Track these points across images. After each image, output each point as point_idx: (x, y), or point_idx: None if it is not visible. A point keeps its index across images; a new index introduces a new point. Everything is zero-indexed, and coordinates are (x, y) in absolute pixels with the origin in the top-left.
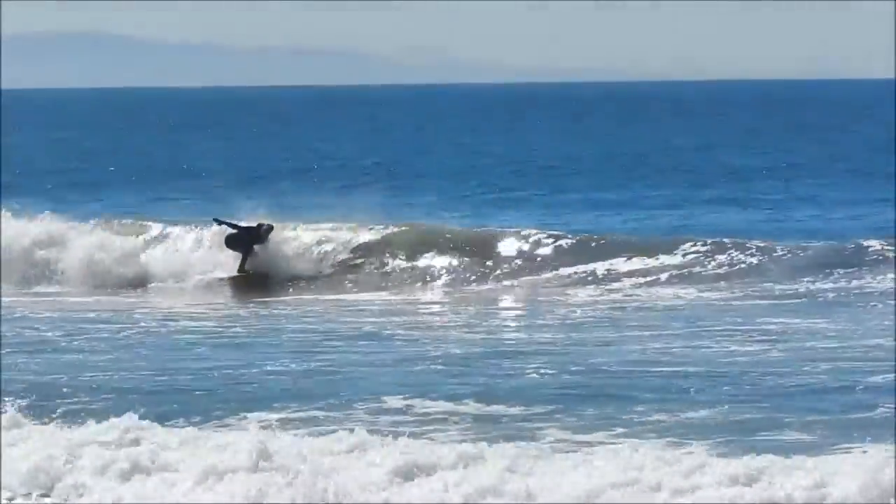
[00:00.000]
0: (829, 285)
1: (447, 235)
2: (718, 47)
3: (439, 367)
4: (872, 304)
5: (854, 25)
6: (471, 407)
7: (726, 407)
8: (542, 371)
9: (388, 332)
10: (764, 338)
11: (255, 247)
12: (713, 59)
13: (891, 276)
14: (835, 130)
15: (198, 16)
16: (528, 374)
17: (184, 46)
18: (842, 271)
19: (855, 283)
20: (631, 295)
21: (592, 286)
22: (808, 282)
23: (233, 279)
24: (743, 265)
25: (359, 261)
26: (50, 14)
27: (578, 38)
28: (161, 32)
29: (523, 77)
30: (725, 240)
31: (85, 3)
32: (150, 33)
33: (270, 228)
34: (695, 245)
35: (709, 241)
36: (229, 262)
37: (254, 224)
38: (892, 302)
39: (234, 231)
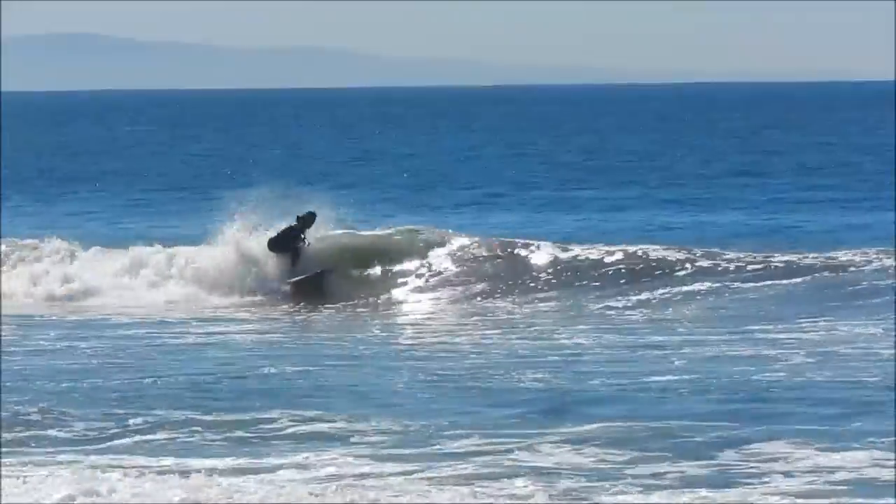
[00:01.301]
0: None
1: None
2: (719, 48)
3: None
4: None
5: (854, 26)
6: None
7: None
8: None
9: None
10: None
11: (304, 244)
12: (713, 60)
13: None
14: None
15: (194, 16)
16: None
17: (180, 46)
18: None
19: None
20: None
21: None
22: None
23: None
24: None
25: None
26: (45, 15)
27: (572, 39)
28: (158, 33)
29: (512, 79)
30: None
31: (80, 3)
32: (147, 34)
33: (312, 216)
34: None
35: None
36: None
37: (294, 221)
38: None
39: (275, 234)
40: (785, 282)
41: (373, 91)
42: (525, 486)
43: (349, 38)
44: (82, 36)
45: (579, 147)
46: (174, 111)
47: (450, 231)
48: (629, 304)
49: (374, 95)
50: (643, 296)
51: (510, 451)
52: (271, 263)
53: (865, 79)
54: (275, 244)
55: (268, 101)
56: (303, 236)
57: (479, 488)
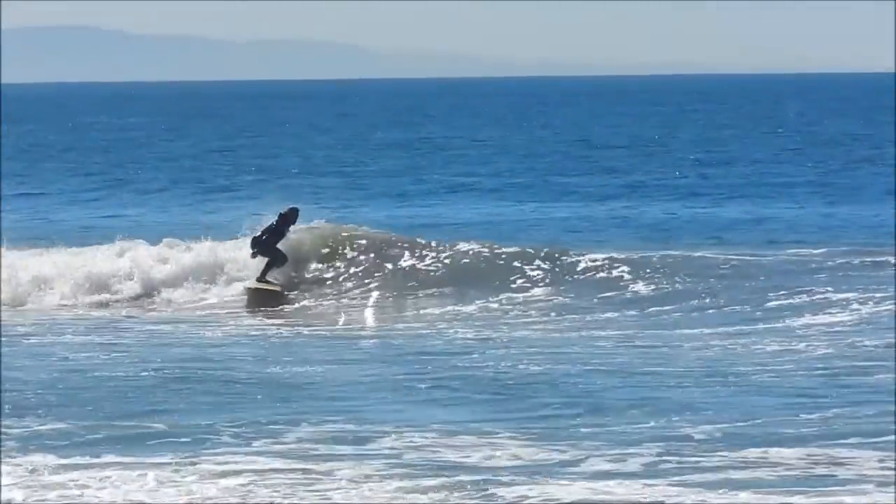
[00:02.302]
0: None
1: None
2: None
3: None
4: None
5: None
6: None
7: None
8: None
9: None
10: None
11: (280, 247)
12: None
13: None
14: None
15: (189, 10)
16: None
17: (174, 40)
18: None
19: None
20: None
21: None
22: None
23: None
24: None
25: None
26: (39, 10)
27: (566, 35)
28: (152, 26)
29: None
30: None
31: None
32: (142, 27)
33: (295, 212)
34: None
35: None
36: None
37: (275, 219)
38: None
39: (258, 234)
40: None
41: (360, 83)
42: (419, 484)
43: (343, 33)
44: (73, 29)
45: (567, 137)
46: (158, 103)
47: (365, 228)
48: (558, 302)
49: (361, 88)
50: (581, 294)
51: (421, 447)
52: (252, 264)
53: (861, 70)
54: (256, 244)
55: (259, 94)
56: (286, 232)
57: (372, 487)
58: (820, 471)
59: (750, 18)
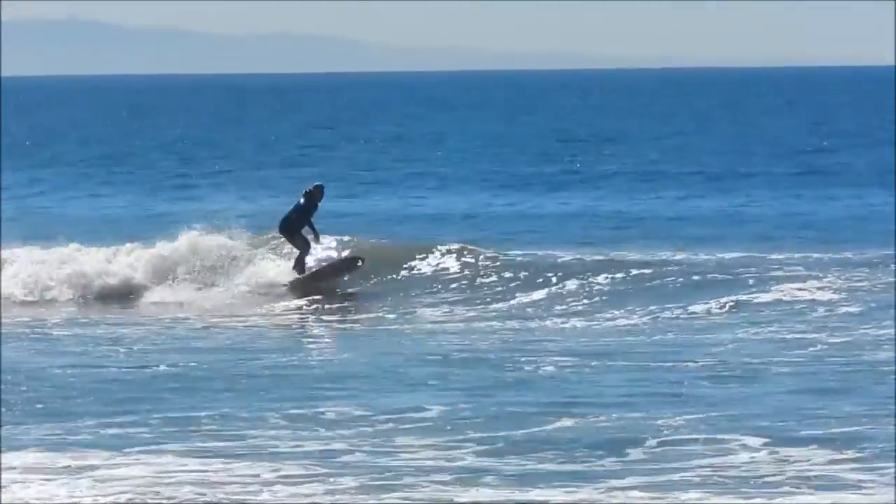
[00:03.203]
0: None
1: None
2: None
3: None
4: None
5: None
6: None
7: None
8: None
9: None
10: None
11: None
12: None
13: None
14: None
15: (188, 5)
16: None
17: (174, 34)
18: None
19: None
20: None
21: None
22: None
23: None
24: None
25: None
26: (37, 4)
27: (567, 29)
28: (145, 20)
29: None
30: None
31: None
32: (134, 21)
33: (320, 189)
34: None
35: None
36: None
37: (301, 199)
38: None
39: (285, 216)
40: None
41: (360, 76)
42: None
43: (337, 26)
44: (71, 23)
45: (556, 129)
46: (151, 97)
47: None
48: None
49: (359, 81)
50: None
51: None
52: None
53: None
54: (287, 223)
55: (257, 87)
56: (314, 209)
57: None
58: (817, 471)
59: (750, 17)
